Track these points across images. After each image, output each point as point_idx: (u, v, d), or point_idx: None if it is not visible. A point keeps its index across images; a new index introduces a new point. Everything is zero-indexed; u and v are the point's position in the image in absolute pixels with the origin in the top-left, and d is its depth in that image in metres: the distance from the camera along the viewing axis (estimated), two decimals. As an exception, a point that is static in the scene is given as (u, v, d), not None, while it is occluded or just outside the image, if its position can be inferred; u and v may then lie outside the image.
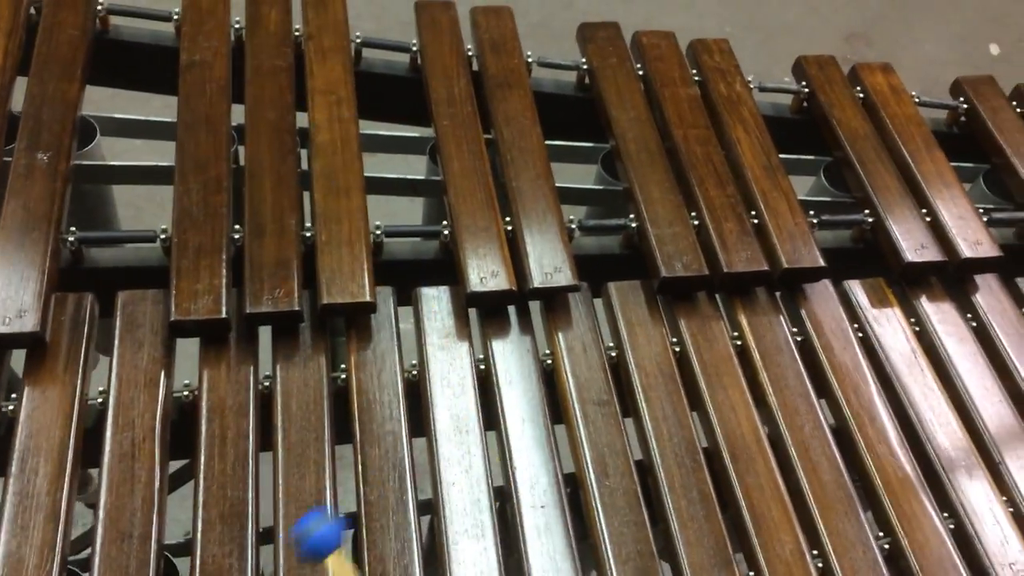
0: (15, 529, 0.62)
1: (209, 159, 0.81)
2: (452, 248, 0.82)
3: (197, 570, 0.63)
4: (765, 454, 0.75)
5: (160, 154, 0.91)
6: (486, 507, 0.68)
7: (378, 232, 0.82)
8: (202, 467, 0.67)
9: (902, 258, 0.88)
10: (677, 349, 0.80)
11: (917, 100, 1.04)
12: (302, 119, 0.87)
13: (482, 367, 0.76)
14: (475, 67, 0.97)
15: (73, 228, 0.78)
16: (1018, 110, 1.06)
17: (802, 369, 0.80)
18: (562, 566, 0.67)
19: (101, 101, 1.26)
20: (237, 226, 0.78)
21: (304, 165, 0.87)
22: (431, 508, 0.70)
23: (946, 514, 0.75)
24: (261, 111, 0.86)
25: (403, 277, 0.81)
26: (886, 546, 0.72)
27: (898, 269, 0.89)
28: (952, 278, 0.90)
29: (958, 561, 0.71)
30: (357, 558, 0.67)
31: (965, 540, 0.74)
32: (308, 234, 0.78)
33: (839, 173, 1.00)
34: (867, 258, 0.93)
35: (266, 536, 0.66)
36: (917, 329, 0.86)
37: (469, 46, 0.98)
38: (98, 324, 0.75)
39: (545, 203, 0.85)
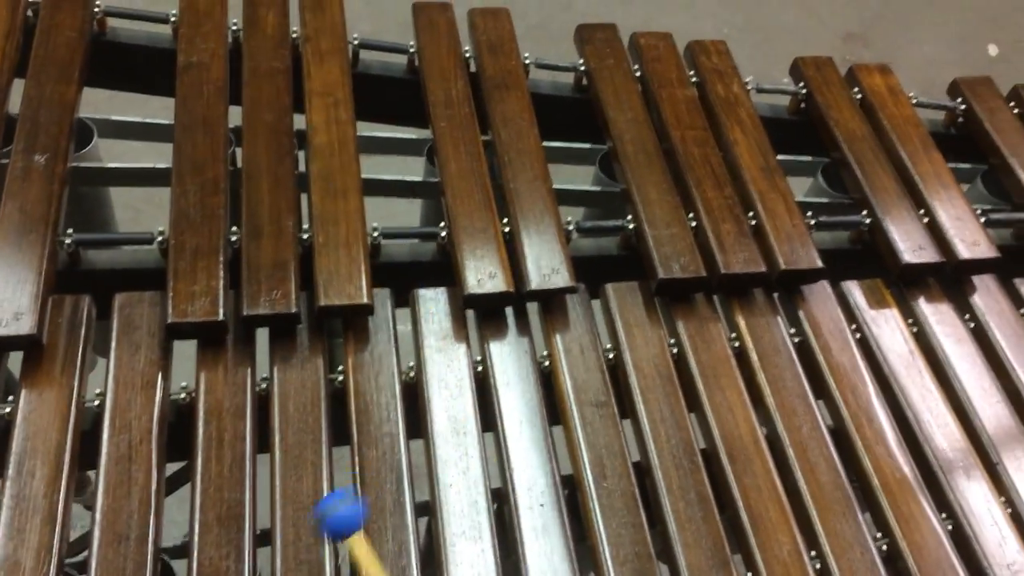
0: (12, 532, 0.62)
1: (206, 161, 0.81)
2: (450, 250, 0.82)
3: (194, 572, 0.63)
4: (763, 455, 0.75)
5: (159, 156, 0.91)
6: (484, 509, 0.68)
7: (375, 234, 0.82)
8: (199, 469, 0.67)
9: (900, 259, 0.88)
10: (675, 350, 0.80)
11: (915, 101, 1.04)
12: (300, 121, 0.87)
13: (480, 369, 0.76)
14: (473, 68, 0.97)
15: (70, 230, 0.77)
16: (1015, 111, 1.06)
17: (800, 370, 0.80)
18: (560, 568, 0.67)
19: (99, 103, 1.26)
20: (234, 228, 0.78)
21: (302, 167, 0.87)
22: (429, 510, 0.70)
23: (944, 515, 0.75)
24: (258, 113, 0.86)
25: (401, 279, 0.81)
26: (884, 547, 0.72)
27: (896, 270, 0.89)
28: (950, 279, 0.90)
29: (956, 562, 0.71)
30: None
31: (963, 541, 0.74)
32: (305, 236, 0.78)
33: (837, 174, 1.00)
34: (865, 259, 0.93)
35: (263, 538, 0.66)
36: (915, 330, 0.86)
37: (467, 47, 0.98)
38: (95, 326, 0.75)
39: (543, 204, 0.85)
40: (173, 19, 0.93)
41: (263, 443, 0.70)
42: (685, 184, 0.89)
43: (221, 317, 0.72)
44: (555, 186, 0.87)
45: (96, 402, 0.70)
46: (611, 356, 0.79)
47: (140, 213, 1.74)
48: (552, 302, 0.81)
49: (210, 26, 0.91)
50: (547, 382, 0.77)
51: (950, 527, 0.74)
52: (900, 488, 0.75)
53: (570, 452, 0.73)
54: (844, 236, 0.95)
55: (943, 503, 0.76)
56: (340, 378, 0.74)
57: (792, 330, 0.83)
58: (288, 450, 0.69)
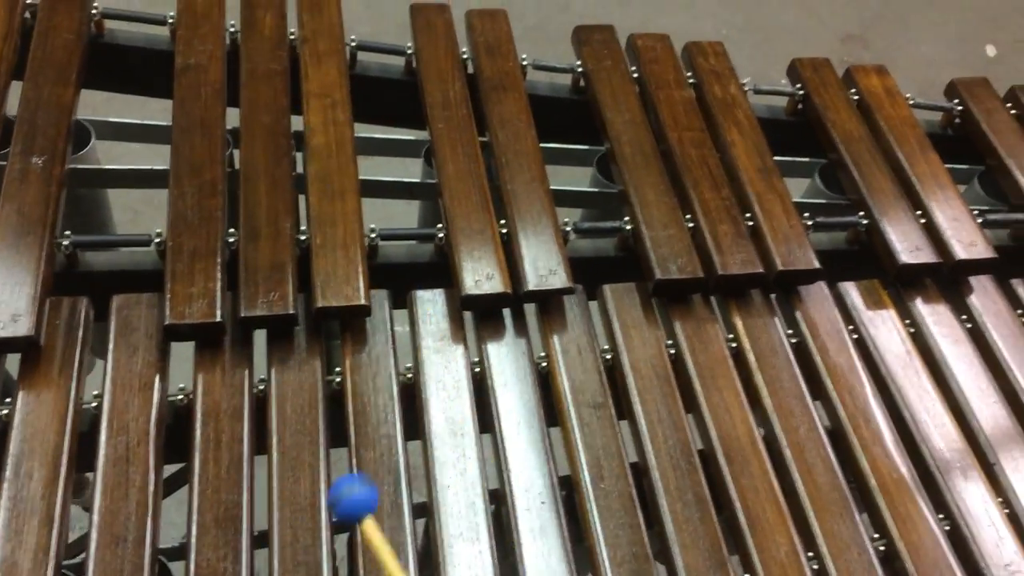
0: (9, 534, 0.62)
1: (204, 163, 0.81)
2: (447, 251, 0.82)
3: (192, 574, 0.63)
4: (760, 456, 0.75)
5: (159, 157, 0.91)
6: (481, 510, 0.68)
7: (373, 235, 0.82)
8: (196, 471, 0.67)
9: (897, 260, 0.88)
10: (672, 351, 0.80)
11: (912, 102, 1.04)
12: (297, 122, 0.87)
13: (477, 370, 0.76)
14: (470, 70, 0.97)
15: (68, 232, 0.77)
16: (1012, 112, 1.06)
17: (797, 371, 0.80)
18: (557, 569, 0.67)
19: (98, 105, 1.26)
20: (232, 229, 0.78)
21: (299, 168, 0.87)
22: (426, 511, 0.70)
23: (941, 515, 0.75)
24: (256, 114, 0.86)
25: (398, 280, 0.81)
26: (881, 548, 0.72)
27: (893, 271, 0.89)
28: (947, 280, 0.90)
29: (953, 562, 0.71)
30: (351, 561, 0.67)
31: (960, 541, 0.74)
32: (303, 237, 0.78)
33: (834, 175, 1.00)
34: (862, 260, 0.93)
35: (261, 540, 0.66)
36: (912, 331, 0.86)
37: (464, 49, 0.98)
38: (93, 328, 0.75)
39: (540, 206, 0.85)
40: (171, 21, 0.93)
41: (261, 445, 0.70)
42: (682, 185, 0.89)
43: (219, 319, 0.72)
44: (552, 187, 0.87)
45: (94, 404, 0.70)
46: (608, 357, 0.79)
47: (139, 215, 1.74)
48: (550, 303, 0.81)
49: (208, 28, 0.92)
50: (545, 383, 0.77)
51: (947, 527, 0.74)
52: (897, 489, 0.75)
53: (568, 453, 0.73)
54: (841, 237, 0.95)
55: (940, 504, 0.76)
56: (338, 379, 0.74)
57: (789, 331, 0.83)
58: (286, 451, 0.69)
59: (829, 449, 0.76)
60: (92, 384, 0.72)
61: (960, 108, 1.07)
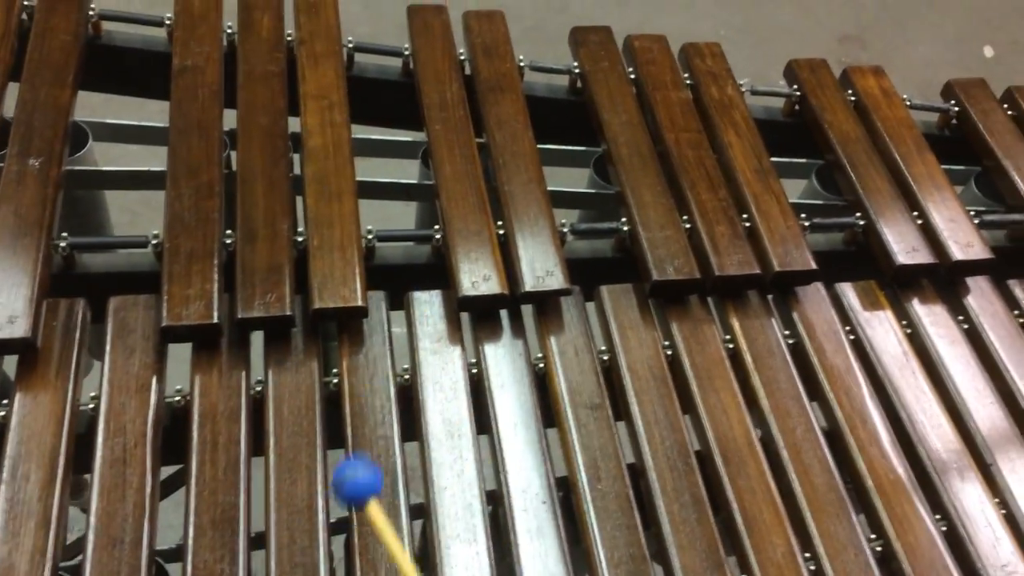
0: (6, 536, 0.62)
1: (201, 164, 0.81)
2: (444, 252, 0.82)
3: (188, 576, 0.63)
4: (757, 457, 0.75)
5: (156, 159, 0.91)
6: (478, 511, 0.68)
7: (370, 236, 0.82)
8: (193, 472, 0.67)
9: (894, 261, 0.88)
10: (669, 352, 0.80)
11: (908, 103, 1.04)
12: (294, 124, 0.88)
13: (474, 371, 0.76)
14: (467, 71, 0.97)
15: (65, 234, 0.77)
16: (1009, 113, 1.06)
17: (794, 372, 0.80)
18: (554, 570, 0.67)
19: (96, 106, 1.26)
20: (229, 231, 0.78)
21: (296, 170, 0.87)
22: (423, 512, 0.70)
23: (938, 516, 0.75)
24: (253, 116, 0.86)
25: (395, 281, 0.81)
26: (878, 548, 0.72)
27: (890, 272, 0.89)
28: (944, 280, 0.90)
29: (950, 563, 0.72)
30: (348, 563, 0.67)
31: (957, 542, 0.74)
32: (300, 239, 0.79)
33: (831, 176, 1.00)
34: (859, 261, 0.93)
35: (258, 541, 0.66)
36: (909, 331, 0.86)
37: (461, 50, 0.98)
38: (90, 329, 0.75)
39: (537, 207, 0.85)
40: (168, 22, 0.93)
41: (258, 446, 0.70)
42: (679, 186, 0.89)
43: (216, 320, 0.72)
44: (550, 188, 0.87)
45: (91, 405, 0.70)
46: (605, 358, 0.79)
47: (137, 216, 1.74)
48: (547, 304, 0.81)
49: (205, 29, 0.92)
50: (542, 384, 0.77)
51: (944, 528, 0.74)
52: (894, 489, 0.75)
53: (564, 454, 0.73)
54: (838, 238, 0.95)
55: (937, 504, 0.76)
56: (335, 381, 0.74)
57: (786, 332, 0.83)
58: (283, 453, 0.69)
59: (826, 450, 0.76)
60: (89, 386, 0.72)
61: (957, 109, 1.07)
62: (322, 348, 0.75)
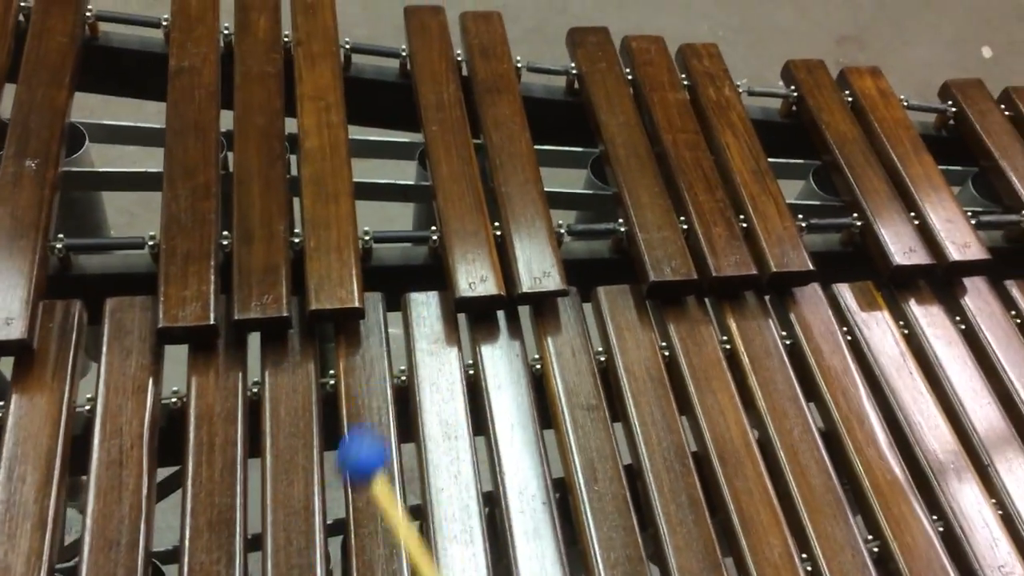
0: (2, 538, 0.62)
1: (198, 165, 0.81)
2: (441, 253, 0.82)
3: (185, 577, 0.63)
4: (754, 458, 0.75)
5: (154, 160, 0.91)
6: (475, 512, 0.68)
7: (367, 238, 0.82)
8: (190, 474, 0.67)
9: (891, 261, 0.88)
10: (666, 353, 0.80)
11: (906, 103, 1.04)
12: (291, 125, 0.87)
13: (471, 372, 0.76)
14: (465, 72, 0.97)
15: (61, 235, 0.77)
16: (1007, 113, 1.06)
17: (791, 373, 0.80)
18: (551, 571, 0.67)
19: (94, 107, 1.26)
20: (226, 232, 0.78)
21: (293, 171, 0.87)
22: (420, 514, 0.70)
23: (935, 517, 0.75)
24: (250, 117, 0.86)
25: (392, 283, 0.81)
26: (875, 549, 0.72)
27: (887, 272, 0.89)
28: (941, 281, 0.90)
29: (947, 564, 0.72)
30: (345, 564, 0.67)
31: (954, 543, 0.74)
32: (297, 240, 0.78)
33: (828, 177, 1.00)
34: (856, 261, 0.93)
35: (254, 543, 0.66)
36: (906, 332, 0.86)
37: (459, 51, 0.98)
38: (87, 331, 0.75)
39: (534, 208, 0.85)
40: (165, 23, 0.93)
41: (254, 448, 0.70)
42: (676, 187, 0.89)
43: (212, 321, 0.72)
44: (547, 189, 0.87)
45: (87, 407, 0.70)
46: (602, 359, 0.79)
47: (135, 217, 1.74)
48: (543, 305, 0.81)
49: (202, 30, 0.92)
50: (538, 385, 0.77)
51: (941, 529, 0.74)
52: (891, 490, 0.75)
53: (561, 455, 0.73)
54: (835, 239, 0.95)
55: (934, 505, 0.76)
56: (331, 382, 0.74)
57: (783, 333, 0.83)
58: (279, 454, 0.69)
59: (823, 451, 0.76)
60: (85, 387, 0.72)
61: (954, 110, 1.07)
62: (319, 349, 0.75)
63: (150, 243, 0.77)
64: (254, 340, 0.75)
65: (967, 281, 0.91)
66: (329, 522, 0.68)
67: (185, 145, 0.82)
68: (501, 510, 0.70)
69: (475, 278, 0.79)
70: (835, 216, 0.94)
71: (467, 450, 0.71)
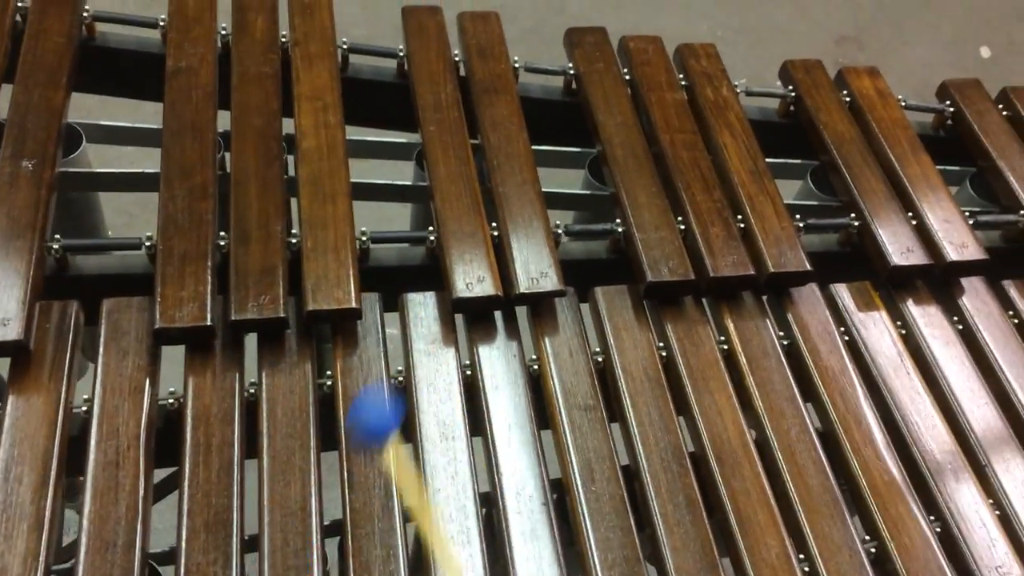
0: (-2, 538, 0.62)
1: (195, 166, 0.81)
2: (438, 254, 0.82)
3: (181, 578, 0.63)
4: (751, 458, 0.75)
5: (152, 161, 0.91)
6: (472, 513, 0.68)
7: (364, 238, 0.82)
8: (187, 475, 0.67)
9: (888, 261, 0.88)
10: (664, 354, 0.80)
11: (903, 104, 1.04)
12: (288, 126, 0.87)
13: (468, 373, 0.76)
14: (462, 72, 0.97)
15: (58, 236, 0.77)
16: (1004, 113, 1.06)
17: (788, 373, 0.80)
18: (548, 572, 0.67)
19: (92, 108, 1.26)
20: (223, 233, 0.78)
21: (291, 171, 0.87)
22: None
23: (932, 517, 0.75)
24: (247, 117, 0.86)
25: (390, 283, 0.81)
26: (872, 550, 0.72)
27: (884, 272, 0.89)
28: (938, 281, 0.90)
29: (945, 564, 0.71)
30: (342, 565, 0.67)
31: (952, 543, 0.74)
32: (294, 240, 0.78)
33: (825, 177, 1.00)
34: (853, 262, 0.93)
35: (251, 544, 0.66)
36: (903, 332, 0.86)
37: (456, 51, 0.98)
38: (84, 331, 0.75)
39: (531, 208, 0.85)
40: (162, 24, 0.93)
41: (251, 449, 0.70)
42: (674, 187, 0.89)
43: (209, 322, 0.72)
44: (544, 190, 0.87)
45: (84, 408, 0.70)
46: (600, 359, 0.79)
47: (134, 218, 1.74)
48: (541, 306, 0.81)
49: (199, 31, 0.92)
50: (536, 386, 0.77)
51: (939, 529, 0.74)
52: (888, 491, 0.75)
53: (559, 456, 0.73)
54: (833, 239, 0.95)
55: (932, 505, 0.76)
56: (328, 383, 0.74)
57: (781, 333, 0.83)
58: (276, 455, 0.69)
59: (820, 451, 0.76)
60: (82, 388, 0.72)
61: (952, 109, 1.07)
62: (316, 350, 0.75)
63: (147, 244, 0.77)
64: (251, 341, 0.75)
65: (965, 281, 0.91)
66: (326, 523, 0.68)
67: (182, 146, 0.82)
68: (498, 511, 0.69)
69: (472, 278, 0.79)
70: (833, 216, 0.94)
71: (464, 451, 0.71)
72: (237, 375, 0.72)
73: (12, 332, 0.69)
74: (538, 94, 1.02)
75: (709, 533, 0.70)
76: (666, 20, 2.48)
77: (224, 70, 0.90)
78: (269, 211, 0.79)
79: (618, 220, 0.87)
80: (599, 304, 0.82)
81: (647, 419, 0.75)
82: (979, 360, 0.85)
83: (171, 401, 0.71)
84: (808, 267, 0.85)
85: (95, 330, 0.74)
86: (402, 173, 1.04)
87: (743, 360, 0.81)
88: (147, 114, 1.02)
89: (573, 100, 1.01)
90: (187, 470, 0.67)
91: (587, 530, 0.69)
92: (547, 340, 0.79)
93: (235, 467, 0.68)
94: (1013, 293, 0.91)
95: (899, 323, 0.87)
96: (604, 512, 0.70)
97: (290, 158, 0.88)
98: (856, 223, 0.92)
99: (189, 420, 0.70)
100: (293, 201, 0.84)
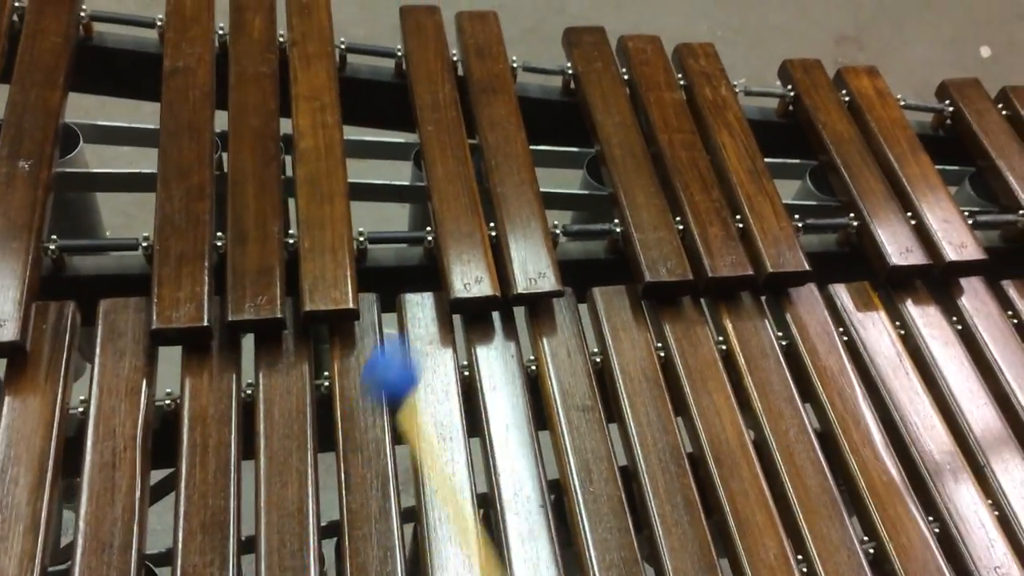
0: (-6, 540, 0.62)
1: (192, 166, 0.81)
2: (436, 254, 0.81)
3: (178, 580, 0.63)
4: (750, 459, 0.74)
5: (151, 161, 0.91)
6: (470, 514, 0.68)
7: (362, 238, 0.81)
8: (183, 476, 0.67)
9: (887, 262, 0.88)
10: (662, 354, 0.80)
11: (903, 103, 1.04)
12: (286, 126, 0.87)
13: (466, 373, 0.76)
14: (460, 72, 0.97)
15: (54, 236, 0.77)
16: (1004, 113, 1.06)
17: (787, 373, 0.80)
18: (546, 573, 0.67)
19: (91, 108, 1.26)
20: (220, 233, 0.78)
21: (288, 172, 0.86)
22: (414, 516, 0.69)
23: (931, 518, 0.75)
24: (245, 117, 0.86)
25: (387, 283, 0.81)
26: (871, 550, 0.72)
27: (883, 273, 0.89)
28: (937, 281, 0.90)
29: (943, 565, 0.71)
30: (339, 566, 0.66)
31: (950, 544, 0.74)
32: (291, 241, 0.78)
33: (824, 177, 1.00)
34: (852, 262, 0.93)
35: (247, 545, 0.66)
36: (902, 332, 0.86)
37: (454, 51, 0.98)
38: (81, 332, 0.74)
39: (529, 208, 0.85)
40: (160, 23, 0.92)
41: (248, 449, 0.70)
42: (672, 187, 0.89)
43: (206, 323, 0.72)
44: (542, 190, 0.87)
45: (80, 409, 0.70)
46: (598, 360, 0.79)
47: (133, 219, 1.74)
48: (539, 306, 0.81)
49: (197, 31, 0.91)
50: (534, 386, 0.77)
51: (937, 530, 0.74)
52: (887, 491, 0.75)
53: (556, 457, 0.73)
54: (831, 239, 0.95)
55: (930, 506, 0.75)
56: (326, 384, 0.74)
57: (779, 333, 0.83)
58: (273, 456, 0.69)
59: (819, 451, 0.76)
60: (79, 389, 0.72)
61: (951, 109, 1.07)
62: (313, 351, 0.75)
63: (144, 244, 0.77)
64: (248, 342, 0.75)
65: (964, 281, 0.91)
66: (323, 524, 0.68)
67: (179, 146, 0.82)
68: (496, 512, 0.69)
69: (470, 279, 0.78)
70: (831, 216, 0.94)
71: (462, 451, 0.71)
72: (234, 376, 0.72)
73: (8, 333, 0.69)
74: (536, 94, 1.01)
75: (707, 534, 0.70)
76: (666, 20, 2.48)
77: (222, 70, 0.90)
78: (266, 211, 0.79)
79: (616, 220, 0.87)
80: (597, 304, 0.82)
81: (645, 420, 0.75)
82: (978, 360, 0.85)
83: (168, 402, 0.71)
84: (807, 267, 0.85)
85: (92, 331, 0.73)
86: (400, 173, 1.03)
87: (741, 360, 0.80)
88: (146, 114, 1.02)
89: (571, 100, 1.00)
90: (184, 471, 0.67)
91: (585, 531, 0.69)
92: (545, 340, 0.79)
93: (232, 468, 0.68)
94: (1012, 293, 0.91)
95: (898, 323, 0.87)
96: (602, 513, 0.70)
97: (288, 158, 0.88)
98: (855, 223, 0.92)
99: (186, 421, 0.69)
100: (291, 201, 0.84)
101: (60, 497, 0.72)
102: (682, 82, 1.00)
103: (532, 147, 0.90)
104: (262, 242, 0.77)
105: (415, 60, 0.95)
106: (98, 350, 0.72)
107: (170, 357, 0.74)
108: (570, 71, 1.00)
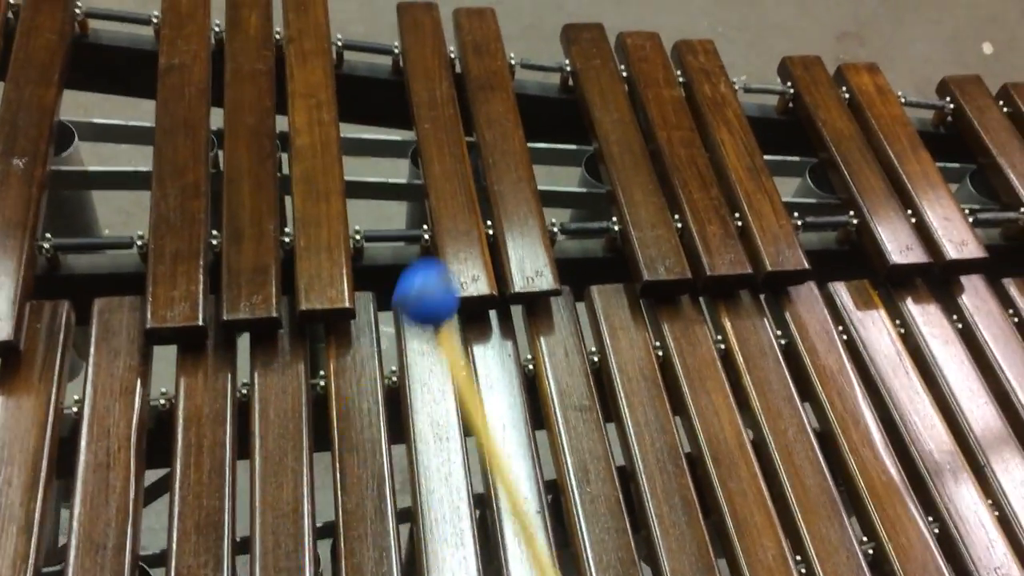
0: (-13, 541, 0.62)
1: (187, 164, 0.81)
2: (433, 253, 0.81)
3: (172, 581, 0.62)
4: (748, 459, 0.74)
5: (147, 159, 0.90)
6: (466, 515, 0.68)
7: (358, 237, 0.81)
8: (178, 476, 0.66)
9: (887, 260, 0.87)
10: (660, 353, 0.79)
11: (903, 100, 1.03)
12: (282, 123, 0.87)
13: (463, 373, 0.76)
14: (458, 69, 0.96)
15: (48, 235, 0.77)
16: (1005, 110, 1.05)
17: (786, 372, 0.80)
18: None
19: (90, 105, 1.25)
20: (215, 232, 0.77)
21: (284, 169, 0.86)
22: (410, 516, 0.69)
23: (931, 518, 0.74)
24: (240, 115, 0.85)
25: (384, 282, 0.80)
26: (870, 551, 0.72)
27: (883, 271, 0.88)
28: (938, 279, 0.90)
29: (943, 566, 0.71)
30: (335, 567, 0.66)
31: (950, 544, 0.73)
32: (287, 239, 0.78)
33: (824, 174, 0.99)
34: (852, 260, 0.92)
35: (242, 546, 0.66)
36: (902, 331, 0.86)
37: (452, 48, 0.97)
38: (75, 331, 0.74)
39: (527, 206, 0.84)
40: (155, 21, 0.92)
41: (243, 450, 0.69)
42: (671, 185, 0.89)
43: (201, 322, 0.71)
44: (540, 188, 0.86)
45: (74, 409, 0.69)
46: (596, 359, 0.78)
47: (131, 217, 1.73)
48: (536, 305, 0.80)
49: (192, 28, 0.91)
50: (531, 386, 0.76)
51: (937, 530, 0.73)
52: (886, 491, 0.74)
53: (554, 457, 0.73)
54: (831, 237, 0.94)
55: (930, 506, 0.75)
56: (322, 383, 0.73)
57: (778, 332, 0.83)
58: (268, 456, 0.68)
59: (818, 451, 0.75)
60: (73, 389, 0.71)
61: (952, 106, 1.06)
62: (309, 350, 0.75)
63: (138, 243, 0.77)
64: (244, 341, 0.74)
65: (964, 279, 0.90)
66: (318, 525, 0.67)
67: (175, 143, 0.82)
68: (492, 512, 0.69)
69: (467, 277, 0.78)
70: (831, 214, 0.94)
71: (458, 451, 0.71)
72: (229, 375, 0.72)
73: (2, 332, 0.69)
74: (534, 91, 1.01)
75: (705, 534, 0.69)
76: (666, 18, 2.47)
77: (217, 67, 0.89)
78: (262, 209, 0.79)
79: (614, 218, 0.87)
80: (595, 303, 0.81)
81: (643, 419, 0.75)
82: (978, 359, 0.85)
83: (163, 402, 0.71)
84: (806, 265, 0.84)
85: (86, 330, 0.73)
86: (397, 171, 1.03)
87: (740, 359, 0.80)
88: (145, 112, 1.01)
89: (569, 97, 1.00)
90: (178, 471, 0.67)
91: (582, 531, 0.69)
92: (542, 340, 0.78)
93: (227, 468, 0.67)
94: (1013, 291, 0.91)
95: (898, 322, 0.86)
96: (599, 513, 0.69)
97: (284, 156, 0.87)
98: (855, 221, 0.91)
99: (180, 421, 0.69)
100: (287, 199, 0.83)
101: (55, 497, 0.71)
102: (681, 79, 1.00)
103: (530, 144, 0.90)
104: (258, 240, 0.76)
105: (412, 57, 0.95)
106: (92, 349, 0.71)
107: (165, 356, 0.73)
108: (568, 68, 0.99)
